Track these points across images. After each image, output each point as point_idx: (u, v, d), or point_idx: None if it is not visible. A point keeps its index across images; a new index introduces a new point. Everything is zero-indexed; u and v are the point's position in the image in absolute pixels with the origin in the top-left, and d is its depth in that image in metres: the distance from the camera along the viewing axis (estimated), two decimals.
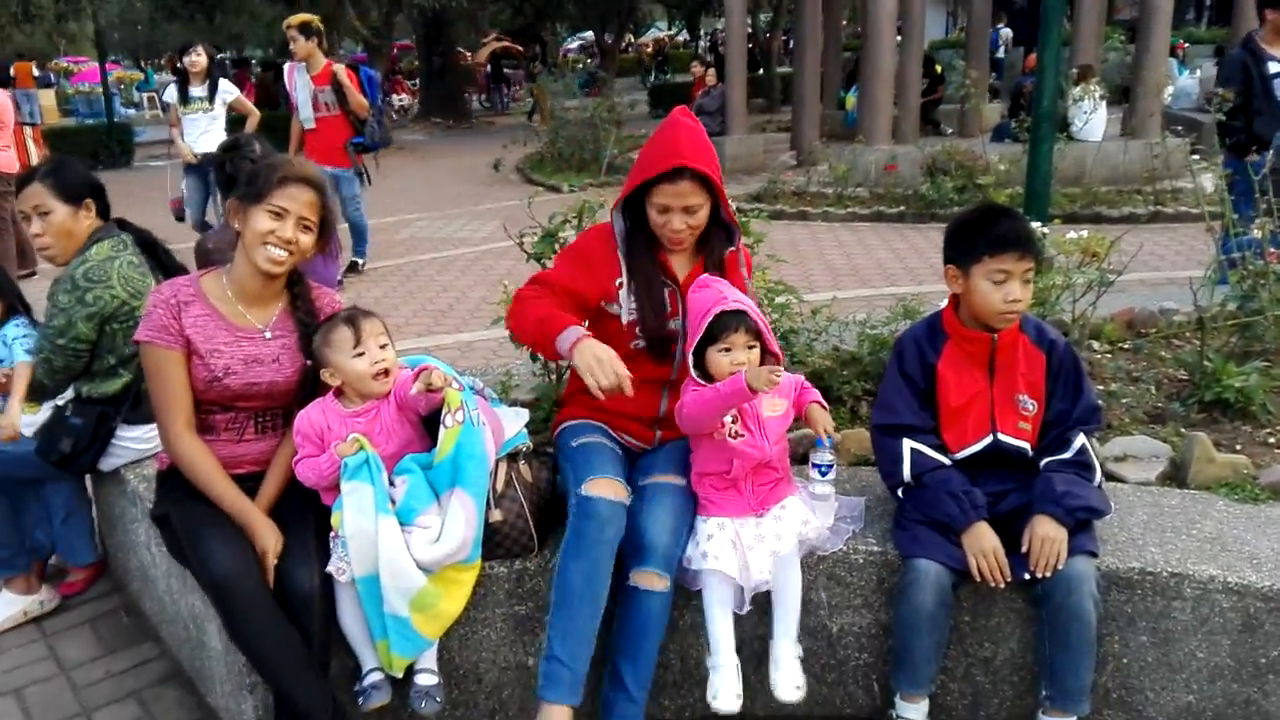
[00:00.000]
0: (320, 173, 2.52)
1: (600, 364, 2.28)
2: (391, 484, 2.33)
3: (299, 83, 7.47)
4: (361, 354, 2.37)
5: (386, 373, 2.39)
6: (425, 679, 2.41)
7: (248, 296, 2.48)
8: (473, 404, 2.39)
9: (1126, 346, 3.94)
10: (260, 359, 2.47)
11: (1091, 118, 10.16)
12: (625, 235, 2.62)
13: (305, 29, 7.31)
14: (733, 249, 2.67)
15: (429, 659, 2.43)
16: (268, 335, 2.50)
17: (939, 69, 14.32)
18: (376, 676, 2.37)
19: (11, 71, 23.67)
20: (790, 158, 13.46)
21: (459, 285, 7.72)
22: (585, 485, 2.37)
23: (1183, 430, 3.09)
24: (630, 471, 2.55)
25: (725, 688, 2.37)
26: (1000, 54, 20.36)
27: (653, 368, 2.61)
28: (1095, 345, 3.89)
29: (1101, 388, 3.55)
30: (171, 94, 7.91)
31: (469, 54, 28.24)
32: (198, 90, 7.77)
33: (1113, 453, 2.93)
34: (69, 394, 3.10)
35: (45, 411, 3.10)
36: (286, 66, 7.86)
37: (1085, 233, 3.43)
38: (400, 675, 2.38)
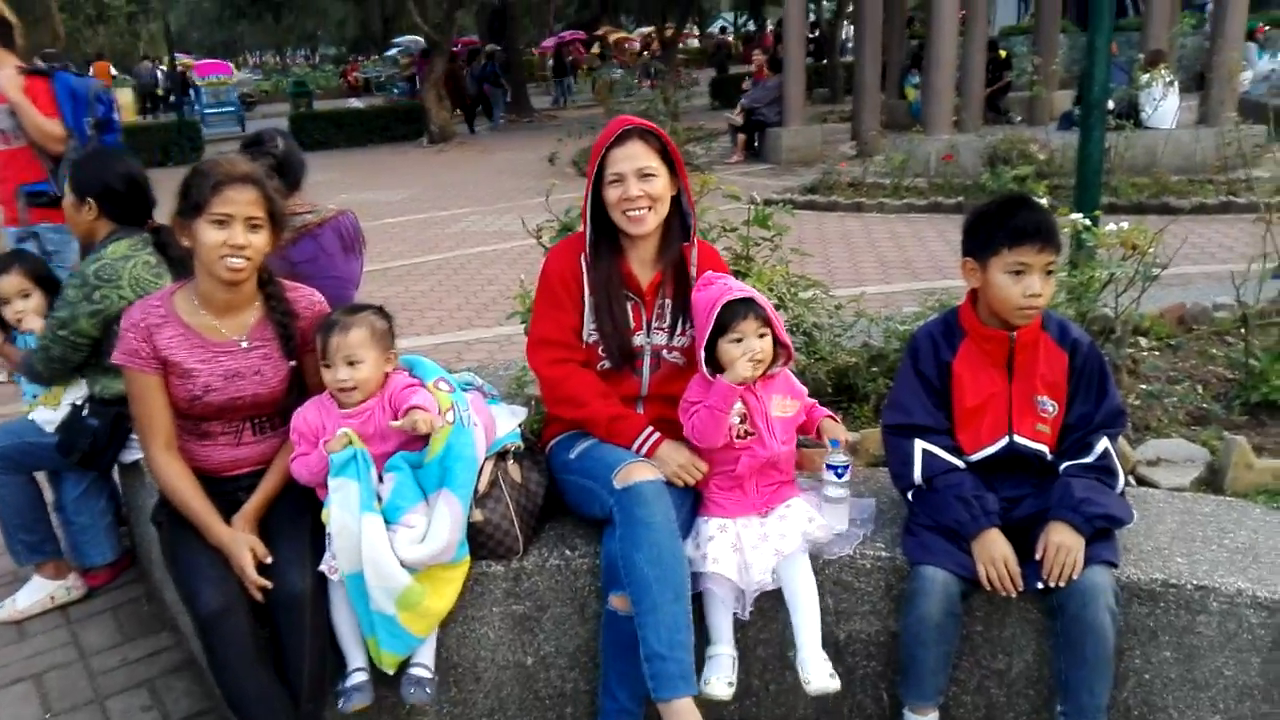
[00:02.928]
0: (254, 166, 2.39)
1: (684, 469, 2.39)
2: (381, 481, 2.30)
3: None
4: (329, 366, 2.34)
5: (356, 387, 2.34)
6: (419, 671, 2.37)
7: (217, 307, 2.41)
8: (464, 404, 2.35)
9: (1175, 343, 3.76)
10: (241, 373, 2.41)
11: (1161, 104, 9.77)
12: (592, 243, 2.52)
13: None
14: (686, 243, 2.58)
15: (426, 655, 2.39)
16: (245, 345, 2.43)
17: (1003, 55, 13.93)
18: (360, 678, 2.34)
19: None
20: (850, 148, 13.24)
21: (504, 279, 7.73)
22: (617, 477, 2.31)
23: (1224, 433, 2.92)
24: None
25: (718, 675, 2.31)
26: None
27: (623, 384, 2.54)
28: (1142, 342, 3.71)
29: (1144, 386, 3.39)
30: None
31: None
32: None
33: (1146, 456, 2.79)
34: (83, 392, 3.15)
35: (65, 409, 3.15)
36: None
37: (1126, 224, 3.25)
38: (392, 672, 2.35)
